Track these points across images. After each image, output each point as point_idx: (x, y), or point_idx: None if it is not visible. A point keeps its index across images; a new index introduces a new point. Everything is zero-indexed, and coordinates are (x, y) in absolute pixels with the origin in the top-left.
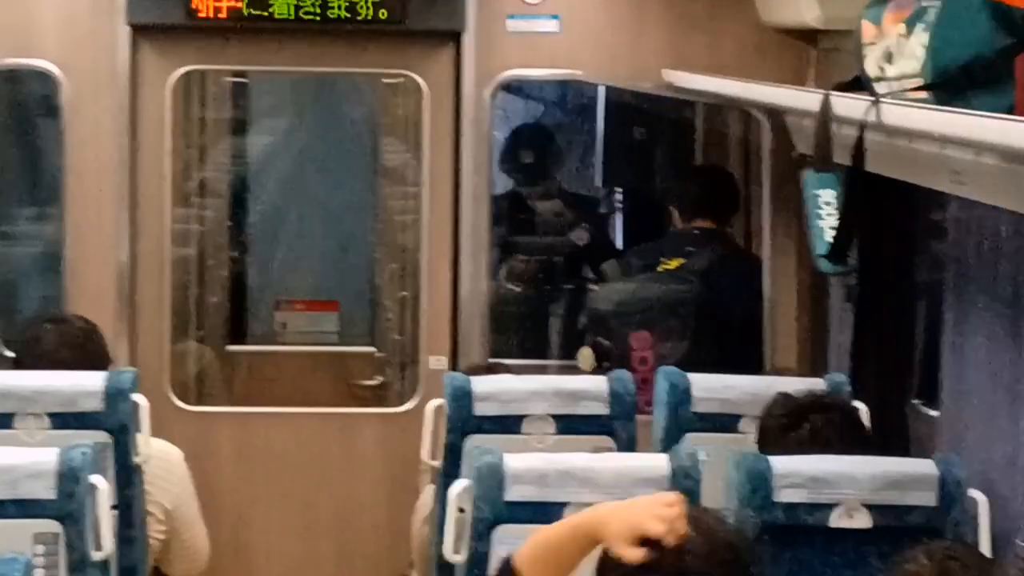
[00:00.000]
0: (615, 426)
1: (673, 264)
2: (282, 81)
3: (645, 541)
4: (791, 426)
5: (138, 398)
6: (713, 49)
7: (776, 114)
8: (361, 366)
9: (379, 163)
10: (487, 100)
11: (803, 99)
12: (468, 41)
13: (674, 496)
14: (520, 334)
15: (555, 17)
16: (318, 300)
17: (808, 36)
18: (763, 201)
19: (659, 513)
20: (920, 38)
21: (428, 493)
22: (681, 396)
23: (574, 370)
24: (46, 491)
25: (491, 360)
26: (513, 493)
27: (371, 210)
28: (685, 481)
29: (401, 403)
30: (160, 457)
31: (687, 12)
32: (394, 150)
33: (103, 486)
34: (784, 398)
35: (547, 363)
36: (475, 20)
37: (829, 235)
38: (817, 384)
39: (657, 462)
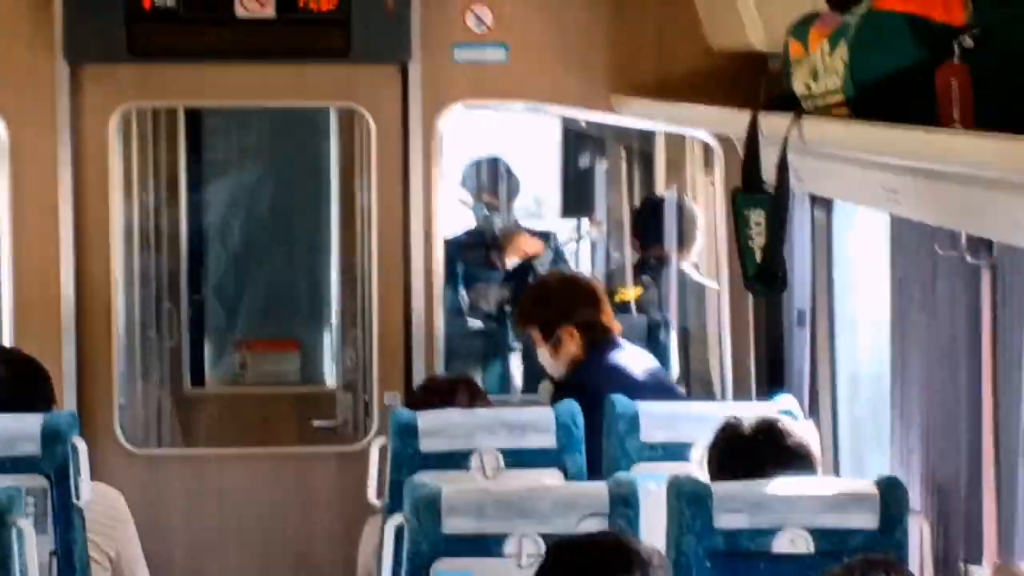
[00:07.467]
0: (564, 458)
1: (631, 295)
2: (239, 119)
3: None
4: (739, 452)
5: (77, 440)
6: (662, 75)
7: (729, 140)
8: (322, 405)
9: (337, 200)
10: (435, 132)
11: (736, 119)
12: (414, 72)
13: None
14: (480, 369)
15: (502, 46)
16: (278, 339)
17: (757, 59)
18: (717, 228)
19: None
20: (842, 54)
21: (372, 528)
22: (629, 425)
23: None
24: None
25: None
26: (450, 526)
27: (330, 248)
28: (624, 510)
29: (357, 441)
30: (101, 503)
31: (635, 37)
32: (350, 186)
33: (29, 530)
34: (732, 424)
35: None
36: (420, 50)
37: (759, 256)
38: (769, 408)
39: (597, 490)
